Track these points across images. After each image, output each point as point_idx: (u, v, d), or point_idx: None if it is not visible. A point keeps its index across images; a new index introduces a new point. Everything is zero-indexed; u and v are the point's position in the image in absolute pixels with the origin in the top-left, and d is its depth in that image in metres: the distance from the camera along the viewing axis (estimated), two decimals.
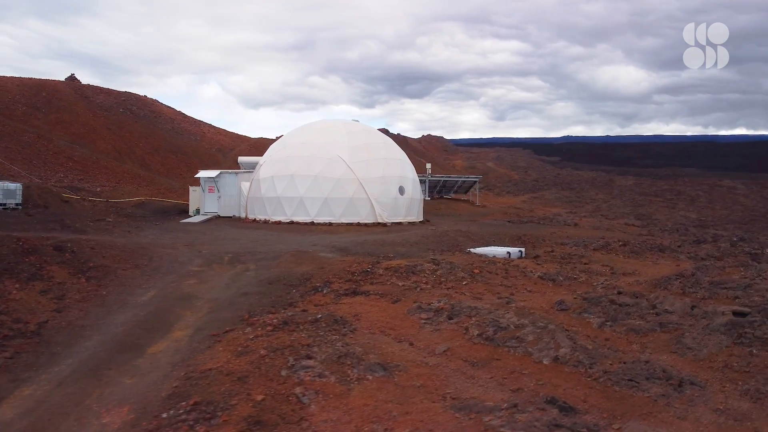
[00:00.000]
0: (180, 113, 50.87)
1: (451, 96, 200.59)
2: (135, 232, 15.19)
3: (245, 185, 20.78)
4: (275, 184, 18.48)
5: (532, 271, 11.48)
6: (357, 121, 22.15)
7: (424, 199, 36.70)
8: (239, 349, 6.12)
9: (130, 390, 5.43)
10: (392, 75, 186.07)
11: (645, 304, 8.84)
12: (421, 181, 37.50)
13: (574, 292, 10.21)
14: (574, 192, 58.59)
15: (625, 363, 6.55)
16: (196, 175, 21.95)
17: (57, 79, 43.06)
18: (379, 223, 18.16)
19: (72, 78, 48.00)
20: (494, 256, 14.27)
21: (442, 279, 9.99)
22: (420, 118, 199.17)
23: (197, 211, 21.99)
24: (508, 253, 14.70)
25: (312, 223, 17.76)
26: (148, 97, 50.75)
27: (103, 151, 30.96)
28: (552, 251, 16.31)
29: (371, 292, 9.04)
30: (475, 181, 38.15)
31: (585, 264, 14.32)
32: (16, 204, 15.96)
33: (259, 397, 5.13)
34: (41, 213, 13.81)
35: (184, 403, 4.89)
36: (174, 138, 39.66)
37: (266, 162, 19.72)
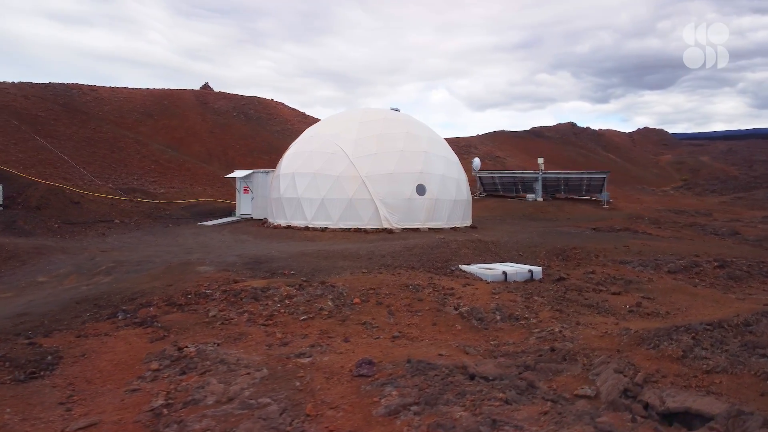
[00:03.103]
0: (301, 114, 53.25)
1: (700, 84, 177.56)
2: (112, 235, 15.25)
3: None
4: (280, 184, 17.24)
5: (461, 305, 8.34)
6: (397, 110, 19.79)
7: (536, 200, 32.50)
8: None
9: None
10: (628, 66, 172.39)
11: (520, 383, 5.46)
12: (534, 179, 33.45)
13: (484, 342, 7.05)
14: None
15: None
16: (227, 175, 21.87)
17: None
18: (383, 229, 15.70)
19: (205, 86, 53.51)
20: (482, 277, 11.26)
21: (283, 310, 7.60)
22: (662, 110, 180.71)
23: (234, 213, 21.93)
24: (504, 273, 11.37)
25: (306, 227, 16.07)
26: (275, 100, 54.22)
27: (195, 154, 33.29)
28: (591, 272, 12.38)
29: (160, 324, 7.15)
30: (604, 178, 32.47)
31: (614, 294, 10.46)
32: None
33: None
34: (2, 214, 14.63)
35: None
36: (277, 139, 41.27)
37: (282, 159, 18.64)
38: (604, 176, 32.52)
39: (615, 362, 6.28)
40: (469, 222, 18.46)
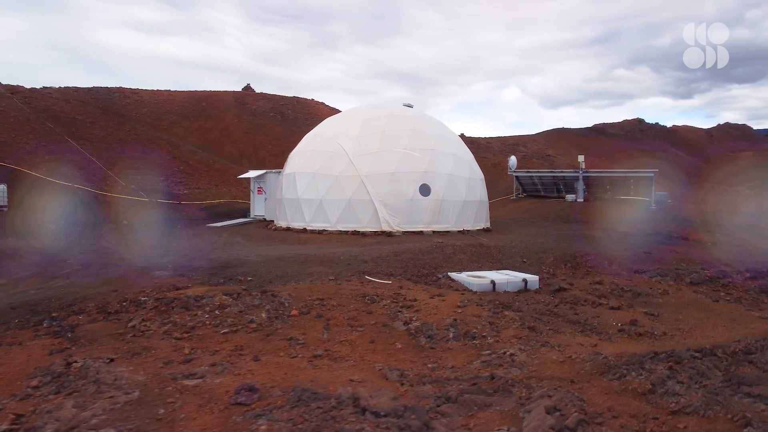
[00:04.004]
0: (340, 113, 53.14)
1: None
2: (110, 237, 15.30)
3: None
4: (283, 185, 16.84)
5: (412, 320, 7.51)
6: (410, 106, 18.94)
7: (575, 201, 30.73)
8: None
9: None
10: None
11: (414, 422, 4.63)
12: (574, 178, 31.67)
13: (420, 365, 6.23)
14: None
15: None
16: (240, 176, 21.71)
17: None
18: (383, 232, 14.91)
19: (247, 88, 54.32)
20: (468, 286, 10.39)
21: (209, 322, 7.03)
22: (753, 105, 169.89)
23: (248, 214, 21.78)
24: (493, 282, 10.43)
25: (304, 230, 15.54)
26: (315, 100, 54.38)
27: (226, 155, 33.62)
28: (599, 282, 11.19)
29: (71, 335, 6.76)
30: (651, 177, 30.31)
31: (612, 308, 9.34)
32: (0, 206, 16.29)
33: None
34: (3, 215, 14.94)
35: None
36: None
37: (288, 159, 18.22)
38: (652, 174, 30.33)
39: (556, 397, 5.35)
40: (483, 224, 17.39)
